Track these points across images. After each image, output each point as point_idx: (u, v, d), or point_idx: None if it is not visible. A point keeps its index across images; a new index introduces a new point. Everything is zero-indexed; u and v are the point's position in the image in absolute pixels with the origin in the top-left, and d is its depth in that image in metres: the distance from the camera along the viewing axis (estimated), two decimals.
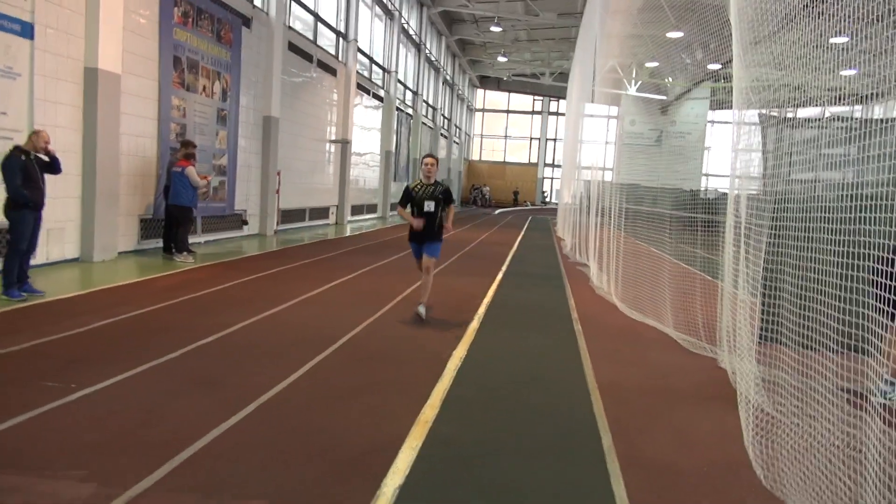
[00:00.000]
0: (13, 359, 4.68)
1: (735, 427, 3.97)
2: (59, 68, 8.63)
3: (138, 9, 10.25)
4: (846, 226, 3.00)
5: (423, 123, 33.70)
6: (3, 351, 4.82)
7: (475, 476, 3.23)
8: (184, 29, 11.43)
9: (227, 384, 4.38)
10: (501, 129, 53.89)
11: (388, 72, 26.31)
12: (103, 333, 5.55)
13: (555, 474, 3.31)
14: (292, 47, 16.46)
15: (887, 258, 2.69)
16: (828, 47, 3.52)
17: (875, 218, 2.89)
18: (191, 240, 11.06)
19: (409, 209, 6.93)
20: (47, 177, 7.00)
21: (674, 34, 20.59)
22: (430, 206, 6.78)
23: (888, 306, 2.70)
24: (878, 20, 2.93)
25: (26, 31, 7.96)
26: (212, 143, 12.76)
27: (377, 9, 24.72)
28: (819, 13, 3.52)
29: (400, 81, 28.14)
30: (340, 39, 20.62)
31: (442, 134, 39.62)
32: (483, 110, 53.84)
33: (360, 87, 22.19)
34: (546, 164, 53.19)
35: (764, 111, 5.50)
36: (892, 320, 2.84)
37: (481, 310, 7.64)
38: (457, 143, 46.14)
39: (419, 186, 6.94)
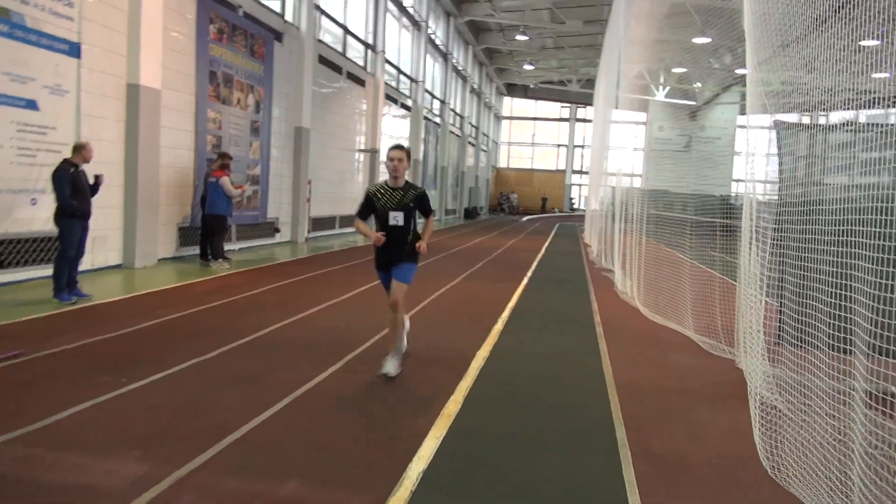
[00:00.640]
0: (69, 356, 5.05)
1: (747, 424, 4.13)
2: (104, 85, 9.12)
3: (176, 27, 10.73)
4: (876, 229, 2.98)
5: (451, 132, 34.06)
6: (59, 349, 5.19)
7: (493, 464, 3.46)
8: (219, 45, 11.90)
9: (264, 380, 4.68)
10: (529, 137, 54.06)
11: (416, 81, 26.72)
12: (148, 334, 5.91)
13: (569, 463, 3.53)
14: (322, 60, 16.92)
15: None
16: (857, 49, 3.51)
17: None
18: (226, 247, 11.48)
19: (380, 223, 5.19)
20: None
21: (700, 39, 20.60)
22: (397, 217, 5.04)
23: None
24: None
25: (73, 50, 8.44)
26: (246, 154, 13.21)
27: (404, 20, 25.16)
28: (851, 17, 3.48)
29: (427, 91, 28.53)
30: (369, 51, 21.06)
31: (469, 142, 39.93)
32: (510, 118, 54.09)
33: (388, 97, 22.61)
34: (574, 171, 53.18)
35: (781, 116, 5.65)
36: None
37: (505, 313, 7.86)
38: (484, 151, 46.42)
39: (382, 191, 5.13)
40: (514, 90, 51.73)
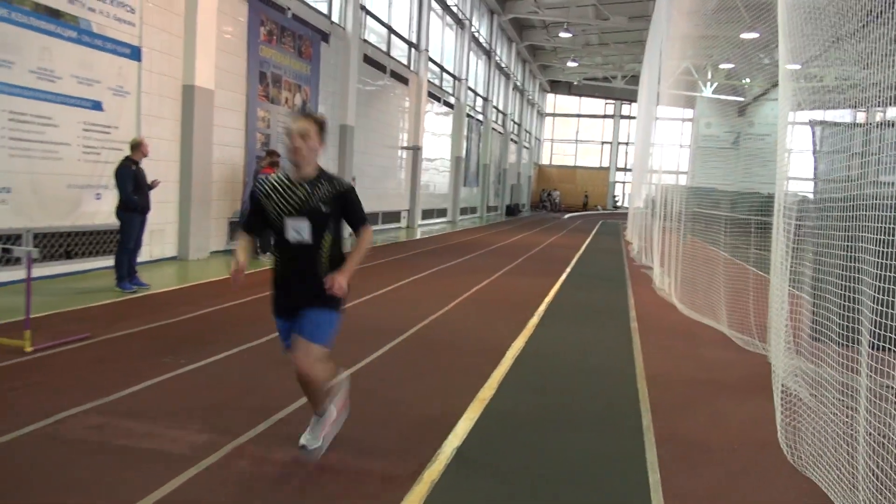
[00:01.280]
0: (133, 339, 5.47)
1: (771, 413, 4.26)
2: (162, 86, 9.63)
3: (229, 29, 11.22)
4: None
5: (493, 129, 34.21)
6: (123, 332, 5.62)
7: (522, 443, 3.70)
8: (268, 46, 12.36)
9: None
10: (572, 134, 53.77)
11: (459, 79, 26.97)
12: (203, 320, 6.32)
13: (594, 444, 3.74)
14: (367, 59, 17.30)
15: None
16: None
17: None
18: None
19: (275, 239, 3.31)
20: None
21: (749, 35, 20.33)
22: (298, 230, 3.19)
23: None
24: None
25: (135, 54, 8.95)
26: None
27: (448, 18, 25.43)
28: None
29: (470, 88, 28.75)
30: (412, 50, 21.40)
31: (512, 139, 40.01)
32: (553, 115, 53.88)
33: (430, 94, 22.92)
34: (618, 169, 52.71)
35: (818, 113, 5.72)
36: None
37: (542, 307, 8.06)
38: (527, 148, 46.41)
39: (278, 187, 3.27)
40: (557, 87, 51.52)
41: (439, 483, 3.12)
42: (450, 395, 4.46)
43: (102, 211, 8.56)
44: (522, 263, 12.92)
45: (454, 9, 25.54)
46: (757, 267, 7.60)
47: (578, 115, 53.29)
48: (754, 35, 19.14)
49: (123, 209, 7.56)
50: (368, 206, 18.30)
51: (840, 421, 3.26)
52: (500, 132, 36.48)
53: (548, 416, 4.17)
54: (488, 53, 31.97)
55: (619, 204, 52.00)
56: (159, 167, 9.35)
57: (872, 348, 2.90)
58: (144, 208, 7.71)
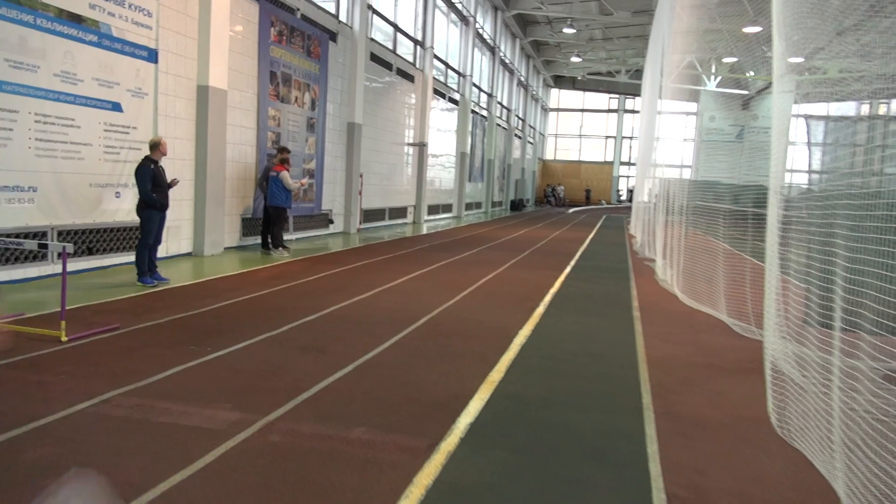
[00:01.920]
0: (159, 329, 5.77)
1: (765, 393, 4.54)
2: (178, 87, 9.92)
3: (241, 31, 11.50)
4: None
5: (498, 125, 34.44)
6: (149, 324, 5.93)
7: (530, 419, 3.98)
8: (279, 46, 12.65)
9: (330, 350, 5.30)
10: (576, 129, 53.94)
11: (463, 76, 27.20)
12: (224, 312, 6.62)
13: (597, 420, 4.03)
14: (374, 57, 17.57)
15: None
16: None
17: None
18: (284, 237, 12.24)
19: None
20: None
21: (752, 28, 20.47)
22: None
23: None
24: None
25: (152, 56, 9.24)
26: (302, 149, 13.96)
27: (452, 16, 25.66)
28: None
29: (475, 85, 28.98)
30: (418, 47, 21.65)
31: (516, 134, 40.22)
32: (557, 110, 54.05)
33: (436, 91, 23.18)
34: (622, 163, 52.86)
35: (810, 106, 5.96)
36: None
37: (547, 298, 8.34)
38: (531, 143, 46.61)
39: None
40: (561, 82, 51.68)
41: (455, 454, 3.41)
42: (461, 378, 4.75)
43: (122, 209, 8.88)
44: (528, 257, 13.20)
45: (459, 6, 25.76)
46: (755, 257, 7.86)
47: (582, 110, 53.46)
48: (757, 29, 19.28)
49: (144, 206, 7.86)
50: (375, 202, 18.67)
51: (820, 397, 3.53)
52: (504, 128, 36.70)
53: (554, 396, 4.46)
54: (492, 50, 32.18)
55: (622, 198, 52.16)
56: (175, 165, 9.66)
57: (844, 331, 3.18)
58: (163, 206, 8.01)
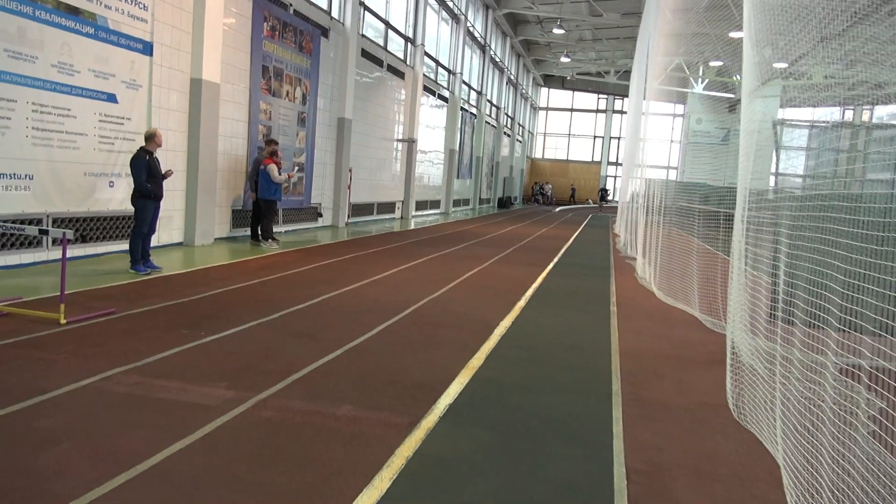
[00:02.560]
0: (154, 314, 6.00)
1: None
2: (171, 79, 10.11)
3: (234, 25, 11.69)
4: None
5: (487, 122, 34.72)
6: (144, 309, 6.16)
7: (506, 403, 4.27)
8: (271, 41, 12.84)
9: (319, 336, 5.56)
10: (565, 128, 54.35)
11: (453, 73, 27.44)
12: (216, 299, 6.85)
13: (569, 403, 4.32)
14: (365, 53, 17.77)
15: None
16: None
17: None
18: (274, 229, 12.46)
19: None
20: None
21: (738, 34, 20.84)
22: None
23: None
24: None
25: (147, 49, 9.42)
26: (293, 143, 14.17)
27: (443, 13, 25.88)
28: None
29: (464, 82, 29.23)
30: (408, 44, 21.86)
31: (505, 132, 40.51)
32: (547, 109, 54.42)
33: (426, 88, 23.41)
34: (610, 163, 53.34)
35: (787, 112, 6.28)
36: None
37: (529, 292, 8.64)
38: (519, 142, 46.93)
39: None
40: (551, 81, 52.05)
41: (434, 430, 3.68)
42: (443, 364, 5.02)
43: (115, 198, 9.06)
44: (513, 253, 13.49)
45: (450, 4, 25.99)
46: (728, 255, 8.19)
47: (571, 110, 53.87)
48: (745, 32, 19.72)
49: (139, 196, 8.06)
50: (364, 197, 18.88)
51: (769, 385, 3.84)
52: (493, 125, 36.98)
53: (530, 382, 4.75)
54: (483, 48, 32.43)
55: (609, 198, 52.58)
56: (167, 157, 9.84)
57: (782, 322, 3.49)
58: (158, 196, 8.22)
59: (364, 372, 4.69)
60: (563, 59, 40.96)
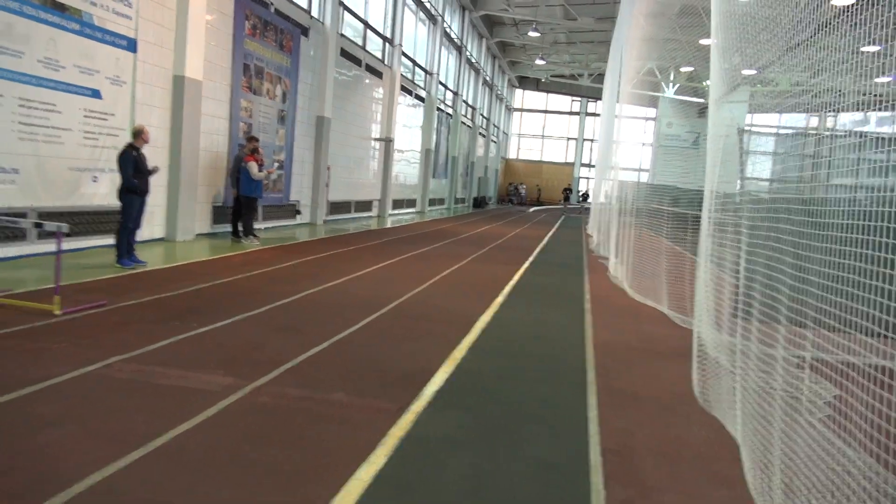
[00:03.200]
0: (143, 307, 6.16)
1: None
2: (155, 76, 10.20)
3: (216, 23, 11.79)
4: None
5: (463, 123, 35.03)
6: (134, 302, 6.31)
7: (487, 389, 4.54)
8: (252, 40, 12.96)
9: (306, 330, 5.78)
10: (539, 129, 54.93)
11: (430, 73, 27.69)
12: (202, 294, 7.02)
13: (545, 392, 4.61)
14: (344, 53, 17.94)
15: None
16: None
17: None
18: (254, 225, 12.58)
19: None
20: None
21: (707, 41, 21.39)
22: None
23: None
24: None
25: (131, 45, 9.51)
26: (272, 141, 14.29)
27: (421, 14, 26.11)
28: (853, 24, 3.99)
29: (441, 83, 29.50)
30: (387, 44, 22.06)
31: (480, 133, 40.88)
32: (521, 110, 54.94)
33: (403, 88, 23.63)
34: (583, 164, 54.04)
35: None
36: None
37: (507, 289, 8.93)
38: (494, 142, 47.34)
39: None
40: (526, 83, 52.57)
41: (422, 414, 3.94)
42: (427, 356, 5.28)
43: (99, 193, 9.15)
44: (489, 252, 13.80)
45: (427, 5, 26.22)
46: (695, 255, 8.57)
47: (545, 111, 54.46)
48: (712, 41, 20.25)
49: (125, 191, 8.17)
50: (342, 195, 19.03)
51: (732, 373, 4.18)
52: (469, 126, 37.31)
53: (509, 373, 5.02)
54: (459, 49, 32.74)
55: (581, 198, 53.24)
56: (150, 153, 9.89)
57: (741, 318, 3.82)
58: (144, 191, 8.33)
59: (351, 363, 4.93)
60: (538, 62, 41.46)
